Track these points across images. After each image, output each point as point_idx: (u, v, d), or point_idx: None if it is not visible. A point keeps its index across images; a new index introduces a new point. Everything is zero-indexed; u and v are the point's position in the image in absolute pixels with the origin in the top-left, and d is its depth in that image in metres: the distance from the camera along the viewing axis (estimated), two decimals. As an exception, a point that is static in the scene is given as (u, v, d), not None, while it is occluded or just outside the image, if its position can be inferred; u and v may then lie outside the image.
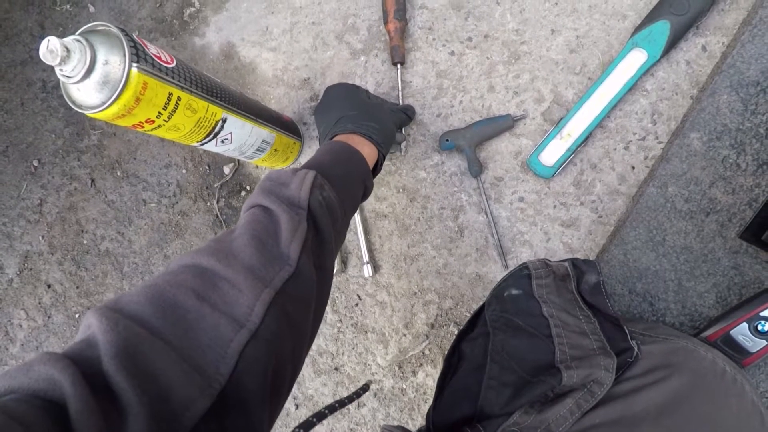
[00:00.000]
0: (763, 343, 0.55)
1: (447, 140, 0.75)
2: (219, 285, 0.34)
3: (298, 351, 0.39)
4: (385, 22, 0.77)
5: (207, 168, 0.93)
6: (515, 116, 0.74)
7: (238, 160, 0.92)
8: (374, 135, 0.60)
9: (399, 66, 0.78)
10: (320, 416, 0.44)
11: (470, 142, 0.74)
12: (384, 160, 0.64)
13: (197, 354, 0.30)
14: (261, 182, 0.45)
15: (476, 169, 0.74)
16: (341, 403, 0.47)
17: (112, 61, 0.48)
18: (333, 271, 0.48)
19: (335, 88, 0.68)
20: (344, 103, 0.64)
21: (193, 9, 0.93)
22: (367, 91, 0.69)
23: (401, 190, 0.81)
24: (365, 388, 0.54)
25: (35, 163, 1.04)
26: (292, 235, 0.39)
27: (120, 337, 0.27)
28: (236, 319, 0.32)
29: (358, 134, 0.59)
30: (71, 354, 0.27)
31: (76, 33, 0.48)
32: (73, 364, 0.25)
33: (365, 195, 0.58)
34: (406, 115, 0.72)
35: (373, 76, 0.82)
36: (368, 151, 0.58)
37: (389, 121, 0.66)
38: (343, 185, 0.50)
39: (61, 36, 0.45)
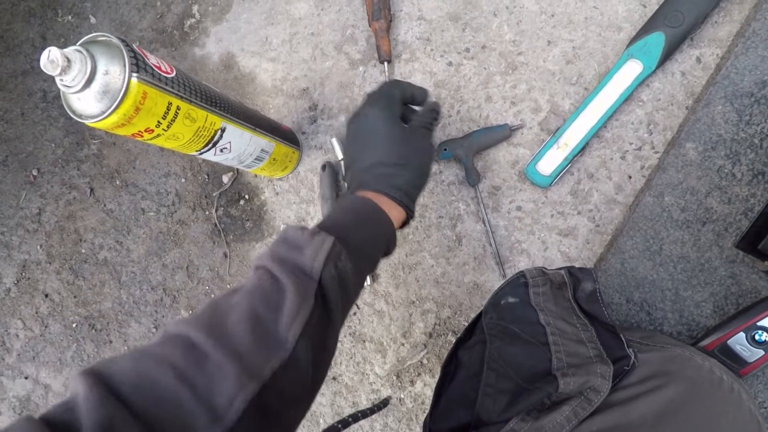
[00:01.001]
0: (761, 352, 0.55)
1: (445, 149, 0.75)
2: (205, 366, 0.33)
3: None
4: (369, 25, 0.79)
5: (206, 177, 0.93)
6: (512, 126, 0.74)
7: (237, 169, 0.92)
8: (405, 199, 0.56)
9: (386, 64, 0.80)
10: (344, 423, 0.46)
11: (468, 152, 0.74)
12: (413, 218, 0.59)
13: None
14: (276, 243, 0.43)
15: (474, 178, 0.75)
16: (364, 414, 0.49)
17: (112, 71, 0.48)
18: (335, 348, 0.46)
19: (374, 117, 0.58)
20: (382, 145, 0.57)
21: (193, 20, 0.94)
22: (405, 105, 0.62)
23: (399, 199, 0.82)
24: (386, 402, 0.54)
25: (34, 173, 1.04)
26: (296, 312, 0.37)
27: (105, 417, 0.28)
28: (214, 409, 0.31)
29: (388, 197, 0.55)
30: (51, 419, 0.28)
31: (77, 44, 0.49)
32: None
33: (387, 254, 0.55)
34: (435, 112, 0.64)
35: (371, 86, 0.83)
36: (396, 215, 0.55)
37: (428, 163, 0.60)
38: (362, 251, 0.48)
39: (63, 47, 0.46)
